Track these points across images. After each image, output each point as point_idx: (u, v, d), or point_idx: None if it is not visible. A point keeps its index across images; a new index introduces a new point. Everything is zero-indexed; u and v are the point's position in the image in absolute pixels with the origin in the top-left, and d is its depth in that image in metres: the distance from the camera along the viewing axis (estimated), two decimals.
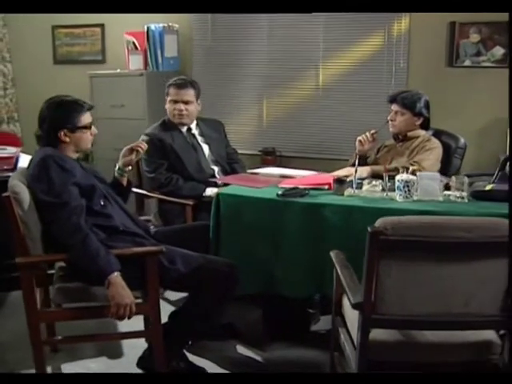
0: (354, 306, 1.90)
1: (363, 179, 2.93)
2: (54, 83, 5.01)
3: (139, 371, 2.69)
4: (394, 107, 3.36)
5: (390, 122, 3.38)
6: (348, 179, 2.88)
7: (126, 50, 4.50)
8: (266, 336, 3.00)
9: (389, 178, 2.73)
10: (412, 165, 3.10)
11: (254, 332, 3.08)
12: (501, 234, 1.82)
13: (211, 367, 2.78)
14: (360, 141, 3.46)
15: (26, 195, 2.39)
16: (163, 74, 4.43)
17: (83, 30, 4.98)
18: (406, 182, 2.61)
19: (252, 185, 2.95)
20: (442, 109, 4.16)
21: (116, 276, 2.32)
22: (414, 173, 2.70)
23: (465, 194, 2.66)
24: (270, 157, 4.56)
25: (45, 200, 2.39)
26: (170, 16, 4.50)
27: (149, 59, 4.50)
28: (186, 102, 3.39)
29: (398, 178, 2.64)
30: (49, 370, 2.75)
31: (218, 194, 2.81)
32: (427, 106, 3.38)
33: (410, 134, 3.36)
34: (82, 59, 5.01)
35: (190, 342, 2.94)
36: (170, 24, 4.53)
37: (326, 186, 2.84)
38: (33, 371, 2.48)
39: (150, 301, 2.46)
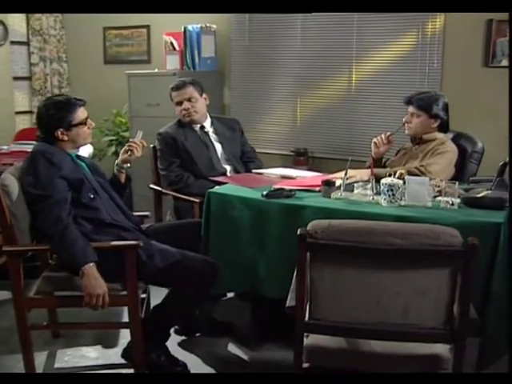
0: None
1: (365, 181, 2.87)
2: (103, 82, 5.27)
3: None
4: (410, 109, 3.26)
5: (405, 125, 3.28)
6: (348, 181, 2.84)
7: (164, 50, 4.63)
8: (255, 335, 3.00)
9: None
10: (418, 169, 3.00)
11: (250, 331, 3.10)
12: (440, 243, 1.74)
13: (196, 363, 2.83)
14: (375, 143, 3.39)
15: (15, 188, 2.54)
16: (199, 74, 4.52)
17: (131, 32, 5.17)
18: (390, 186, 2.53)
19: (248, 185, 2.96)
20: (477, 110, 3.99)
21: (90, 267, 2.42)
22: (401, 177, 2.61)
23: (456, 200, 2.54)
24: (301, 157, 4.52)
25: (31, 192, 2.53)
26: (209, 17, 4.57)
27: (188, 59, 4.59)
28: (190, 100, 3.45)
29: (382, 181, 2.57)
30: (45, 353, 2.94)
31: (208, 193, 2.85)
32: (445, 107, 3.24)
33: (425, 136, 3.24)
34: (129, 59, 5.20)
35: (182, 336, 3.03)
36: (208, 24, 4.61)
37: (317, 188, 2.80)
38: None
39: (128, 293, 2.54)
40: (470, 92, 3.97)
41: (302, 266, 1.79)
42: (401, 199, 2.57)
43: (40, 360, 2.85)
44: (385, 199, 2.55)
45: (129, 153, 2.89)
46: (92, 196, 2.64)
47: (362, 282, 1.80)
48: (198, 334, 3.09)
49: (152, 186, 3.69)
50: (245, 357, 2.90)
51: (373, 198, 2.63)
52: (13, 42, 5.13)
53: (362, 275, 1.79)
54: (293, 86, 4.58)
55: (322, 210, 2.54)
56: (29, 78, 5.28)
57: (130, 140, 2.95)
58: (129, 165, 2.93)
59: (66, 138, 2.67)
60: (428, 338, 1.84)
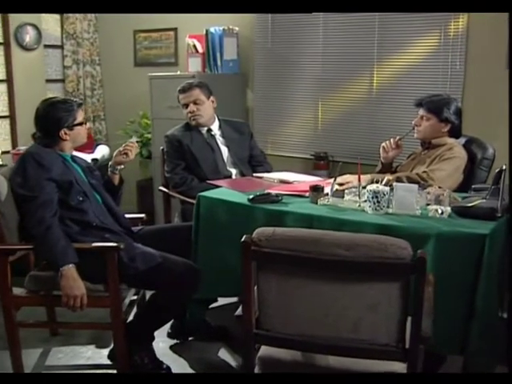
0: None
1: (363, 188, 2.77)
2: (133, 84, 5.33)
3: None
4: (420, 111, 3.14)
5: (415, 128, 3.16)
6: (345, 187, 2.76)
7: (186, 53, 4.65)
8: None
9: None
10: (419, 175, 2.88)
11: None
12: (388, 255, 1.64)
13: (182, 367, 2.82)
14: (384, 148, 3.29)
15: (4, 188, 2.60)
16: (222, 77, 4.51)
17: (159, 34, 5.22)
18: (375, 192, 2.43)
19: (241, 189, 2.92)
20: (501, 114, 3.77)
21: (69, 268, 2.44)
22: (388, 183, 2.51)
23: (447, 208, 2.41)
24: (322, 162, 4.43)
25: (19, 193, 2.58)
26: (232, 19, 4.55)
27: (210, 61, 4.58)
28: (196, 102, 3.44)
29: (367, 188, 2.47)
30: (39, 350, 2.99)
31: (198, 197, 2.82)
32: (457, 112, 3.11)
33: (434, 141, 3.11)
34: (158, 62, 5.25)
35: (177, 340, 3.03)
36: (231, 27, 4.59)
37: (307, 194, 2.73)
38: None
39: (109, 294, 2.55)
40: (493, 95, 3.77)
41: (247, 274, 1.74)
42: (387, 206, 2.46)
43: (33, 357, 2.91)
44: (370, 206, 2.45)
45: (123, 155, 2.90)
46: (81, 199, 2.67)
47: (309, 293, 1.72)
48: (191, 338, 3.07)
49: (161, 188, 3.71)
50: (233, 363, 2.86)
51: (359, 205, 2.54)
52: (47, 46, 5.25)
53: (308, 286, 1.72)
54: (314, 89, 4.48)
55: (303, 217, 2.48)
56: (62, 81, 5.42)
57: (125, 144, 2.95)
58: (122, 166, 2.94)
59: (68, 137, 2.72)
60: (380, 354, 1.74)
